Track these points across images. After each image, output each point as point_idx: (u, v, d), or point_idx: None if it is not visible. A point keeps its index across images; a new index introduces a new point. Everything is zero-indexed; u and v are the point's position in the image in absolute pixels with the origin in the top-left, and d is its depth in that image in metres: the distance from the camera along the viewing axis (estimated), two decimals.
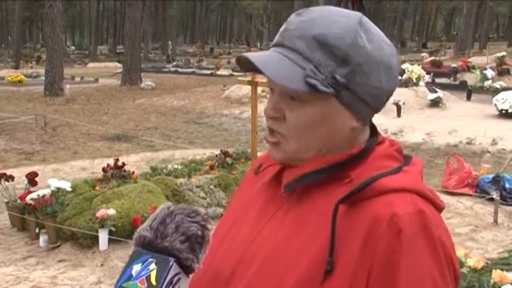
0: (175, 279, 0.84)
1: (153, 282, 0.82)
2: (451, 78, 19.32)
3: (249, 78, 7.04)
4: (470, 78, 18.24)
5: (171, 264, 0.83)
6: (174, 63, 32.21)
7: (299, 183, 0.92)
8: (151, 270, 0.82)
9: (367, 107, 0.91)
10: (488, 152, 9.25)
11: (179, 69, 28.60)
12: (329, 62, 0.86)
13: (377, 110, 0.94)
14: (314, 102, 0.88)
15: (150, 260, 0.84)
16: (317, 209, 0.89)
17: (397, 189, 0.84)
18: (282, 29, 0.92)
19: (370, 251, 0.81)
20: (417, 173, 0.91)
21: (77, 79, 22.08)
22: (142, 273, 0.82)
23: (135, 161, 8.39)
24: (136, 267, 0.83)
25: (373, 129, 0.96)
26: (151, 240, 0.85)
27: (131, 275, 0.83)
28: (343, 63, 0.87)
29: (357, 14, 0.91)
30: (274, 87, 0.92)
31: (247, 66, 0.94)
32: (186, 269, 0.86)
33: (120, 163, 5.90)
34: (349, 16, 0.89)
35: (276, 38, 0.93)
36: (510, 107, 12.27)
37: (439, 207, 0.89)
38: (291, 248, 0.88)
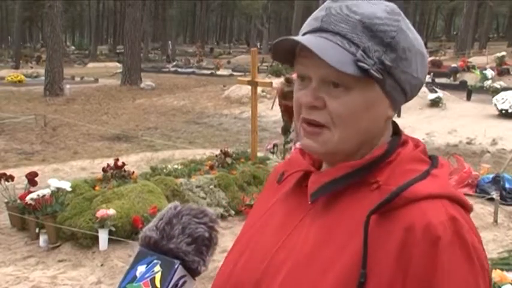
0: (181, 282, 0.82)
1: (158, 284, 0.80)
2: (451, 78, 19.31)
3: (249, 78, 7.04)
4: (470, 78, 18.22)
5: (176, 266, 0.82)
6: (174, 63, 32.20)
7: (326, 191, 0.89)
8: (156, 272, 0.81)
9: (404, 97, 0.91)
10: (488, 152, 9.25)
11: (179, 69, 28.58)
12: (376, 47, 0.85)
13: (408, 101, 0.94)
14: (359, 88, 0.86)
15: (155, 261, 0.82)
16: (346, 218, 0.86)
17: (429, 196, 0.83)
18: (319, 14, 0.89)
19: (405, 261, 0.79)
20: (445, 176, 0.89)
21: (77, 79, 22.05)
22: (147, 275, 0.81)
23: (135, 161, 8.39)
24: (141, 269, 0.82)
25: (395, 125, 0.95)
26: (157, 241, 0.84)
27: (135, 277, 0.82)
28: (389, 49, 0.86)
29: (391, 2, 0.90)
30: (311, 75, 0.88)
31: (283, 53, 0.90)
32: (192, 272, 0.85)
33: (120, 163, 5.89)
34: (387, 3, 0.89)
35: (312, 24, 0.90)
36: (510, 107, 12.27)
37: (468, 208, 0.87)
38: (319, 258, 0.85)
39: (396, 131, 0.95)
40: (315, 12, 0.91)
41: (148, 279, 0.81)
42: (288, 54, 0.91)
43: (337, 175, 0.88)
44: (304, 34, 0.90)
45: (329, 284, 0.82)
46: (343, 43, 0.85)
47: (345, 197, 0.88)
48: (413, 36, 0.89)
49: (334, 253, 0.84)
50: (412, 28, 0.90)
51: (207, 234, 0.86)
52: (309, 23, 0.91)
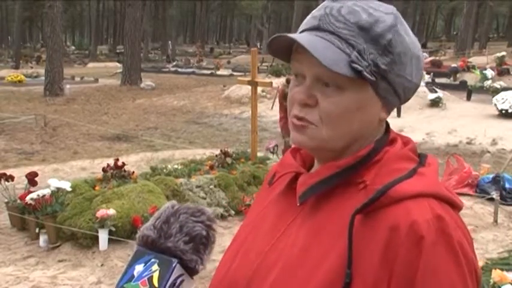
0: (179, 281, 0.82)
1: (155, 283, 0.80)
2: (451, 78, 19.32)
3: (249, 78, 7.04)
4: (470, 78, 18.23)
5: (174, 265, 0.82)
6: (174, 63, 32.21)
7: (313, 192, 0.89)
8: (154, 271, 0.81)
9: (398, 100, 0.91)
10: (488, 152, 9.25)
11: (179, 69, 28.59)
12: (372, 49, 0.85)
13: (402, 104, 0.93)
14: (351, 89, 0.86)
15: (152, 260, 0.82)
16: (333, 218, 0.86)
17: (414, 195, 0.82)
18: (317, 13, 0.89)
19: (390, 261, 0.79)
20: (433, 174, 0.88)
21: (77, 79, 22.06)
22: (145, 274, 0.81)
23: (135, 161, 8.39)
24: (139, 268, 0.82)
25: (386, 124, 0.95)
26: (154, 240, 0.84)
27: (133, 276, 0.82)
28: (385, 52, 0.86)
29: (391, 6, 0.90)
30: (305, 73, 0.88)
31: (280, 50, 0.91)
32: (190, 271, 0.85)
33: (120, 163, 5.89)
34: (386, 6, 0.89)
35: (310, 22, 0.90)
36: (510, 107, 12.27)
37: (457, 206, 0.87)
38: (308, 259, 0.85)
39: (387, 130, 0.94)
40: (314, 11, 0.92)
41: (146, 278, 0.81)
42: (285, 51, 0.91)
43: (324, 176, 0.88)
44: (302, 32, 0.91)
45: (316, 284, 0.82)
46: (338, 43, 0.85)
47: (333, 198, 0.89)
48: (410, 40, 0.89)
49: (322, 254, 0.84)
50: (409, 32, 0.90)
51: (204, 233, 0.86)
52: (308, 21, 0.91)
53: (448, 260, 0.79)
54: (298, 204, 0.91)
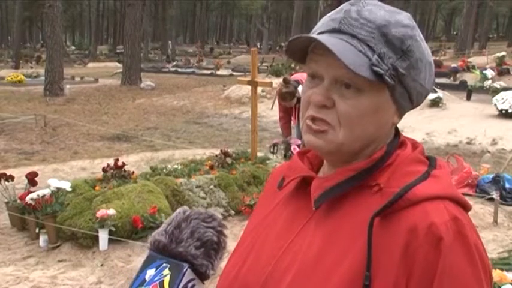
0: (190, 285, 0.83)
1: None
2: (451, 78, 19.30)
3: (249, 78, 7.04)
4: (470, 78, 18.21)
5: (185, 270, 0.83)
6: (174, 63, 32.21)
7: (329, 195, 0.90)
8: (165, 275, 0.82)
9: (410, 104, 0.93)
10: (488, 152, 9.25)
11: (179, 69, 28.59)
12: (391, 53, 0.86)
13: (413, 109, 0.95)
14: (370, 92, 0.87)
15: (164, 265, 0.83)
16: (349, 222, 0.87)
17: (431, 197, 0.84)
18: (337, 15, 0.90)
19: (409, 262, 0.80)
20: (447, 176, 0.90)
21: (77, 79, 22.05)
22: (156, 279, 0.82)
23: (135, 161, 8.39)
24: (150, 272, 0.83)
25: (395, 127, 0.97)
26: (166, 244, 0.85)
27: (144, 280, 0.83)
28: (403, 57, 0.87)
29: (407, 13, 0.92)
30: (323, 74, 0.89)
31: (299, 51, 0.91)
32: (201, 275, 0.86)
33: (120, 163, 5.89)
34: (404, 12, 0.91)
35: (329, 24, 0.90)
36: (510, 107, 12.26)
37: (468, 208, 0.89)
38: (324, 262, 0.86)
39: (396, 132, 0.96)
40: (332, 13, 0.92)
41: (157, 282, 0.82)
42: (299, 52, 0.91)
43: (339, 180, 0.89)
44: (319, 34, 0.90)
45: (334, 286, 0.82)
46: (360, 46, 0.86)
47: (347, 201, 0.89)
48: (425, 46, 0.91)
49: (338, 256, 0.85)
50: (423, 39, 0.92)
51: (215, 238, 0.88)
52: (326, 23, 0.91)
53: (465, 261, 0.81)
54: (313, 208, 0.91)
